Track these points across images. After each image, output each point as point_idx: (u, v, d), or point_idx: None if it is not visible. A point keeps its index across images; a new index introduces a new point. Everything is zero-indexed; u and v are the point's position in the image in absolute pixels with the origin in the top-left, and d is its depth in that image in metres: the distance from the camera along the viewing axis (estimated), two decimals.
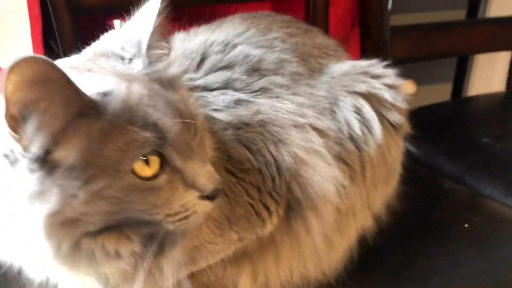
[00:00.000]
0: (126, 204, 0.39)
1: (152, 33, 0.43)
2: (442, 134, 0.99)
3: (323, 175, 0.52)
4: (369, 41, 1.05)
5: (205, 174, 0.41)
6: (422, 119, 1.07)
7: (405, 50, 1.11)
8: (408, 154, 1.00)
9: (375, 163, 0.58)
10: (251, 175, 0.51)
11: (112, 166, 0.38)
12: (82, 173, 0.37)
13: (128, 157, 0.38)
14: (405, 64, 1.18)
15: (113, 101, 0.38)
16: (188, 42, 0.58)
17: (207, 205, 0.42)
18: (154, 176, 0.39)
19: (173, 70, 0.45)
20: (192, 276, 0.55)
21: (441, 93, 1.32)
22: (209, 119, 0.51)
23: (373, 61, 0.62)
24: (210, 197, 0.42)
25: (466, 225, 0.68)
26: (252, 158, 0.51)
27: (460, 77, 1.26)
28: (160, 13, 0.43)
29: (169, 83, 0.43)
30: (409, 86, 1.21)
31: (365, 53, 1.05)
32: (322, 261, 0.56)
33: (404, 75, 1.21)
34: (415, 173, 0.85)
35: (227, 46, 0.57)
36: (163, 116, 0.39)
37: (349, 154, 0.55)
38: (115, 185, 0.38)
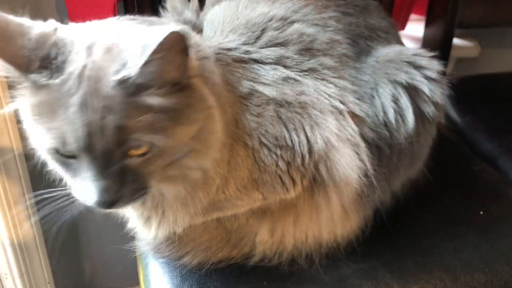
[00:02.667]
0: None
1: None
2: (490, 108, 0.99)
3: (349, 163, 0.57)
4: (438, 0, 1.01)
5: (89, 191, 0.46)
6: (475, 87, 1.06)
7: (476, 14, 1.07)
8: (451, 123, 1.02)
9: (402, 149, 0.61)
10: (283, 151, 0.56)
11: None
12: None
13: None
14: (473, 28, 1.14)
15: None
16: (251, 10, 0.61)
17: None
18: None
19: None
20: (217, 220, 0.64)
21: (509, 59, 1.27)
22: (254, 92, 0.56)
23: (420, 50, 0.63)
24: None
25: (481, 212, 0.72)
26: (288, 136, 0.56)
27: None
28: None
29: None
30: (472, 49, 1.18)
31: (431, 13, 1.02)
32: (337, 230, 0.62)
33: (469, 36, 1.18)
34: (449, 147, 0.88)
35: (285, 22, 0.59)
36: (70, 134, 0.44)
37: (380, 139, 0.59)
38: None
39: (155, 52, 0.41)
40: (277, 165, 0.57)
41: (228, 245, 0.63)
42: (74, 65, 0.44)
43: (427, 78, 0.60)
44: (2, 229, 1.10)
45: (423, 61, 0.61)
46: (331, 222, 0.62)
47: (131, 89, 0.43)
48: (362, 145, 0.58)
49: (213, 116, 0.50)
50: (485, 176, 0.80)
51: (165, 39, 0.40)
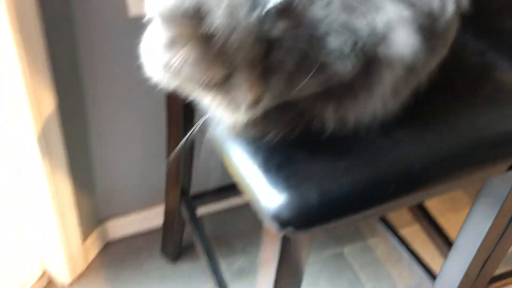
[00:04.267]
0: None
1: None
2: (472, 16, 1.15)
3: (403, 40, 0.70)
4: None
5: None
6: None
7: None
8: None
9: (440, 34, 0.76)
10: (349, 36, 0.68)
11: None
12: None
13: None
14: None
15: None
16: None
17: None
18: None
19: None
20: (292, 103, 0.75)
21: None
22: None
23: None
24: None
25: (484, 88, 0.89)
26: (353, 23, 0.68)
27: None
28: None
29: None
30: None
31: None
32: (388, 105, 0.76)
33: None
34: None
35: None
36: None
37: (426, 25, 0.72)
38: None
39: None
40: (342, 48, 0.69)
41: (303, 122, 0.76)
42: None
43: None
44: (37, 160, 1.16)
45: None
46: (383, 98, 0.75)
47: None
48: (414, 27, 0.71)
49: None
50: (481, 65, 0.97)
51: None
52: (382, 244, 1.72)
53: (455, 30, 0.80)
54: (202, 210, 1.59)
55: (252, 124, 0.75)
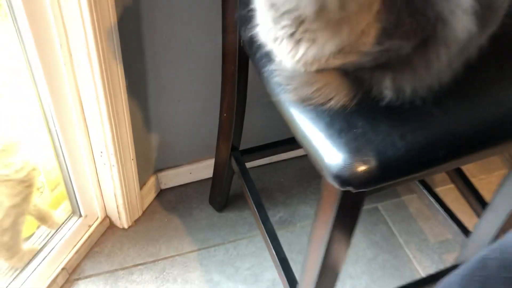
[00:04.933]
0: None
1: None
2: None
3: (461, 24, 0.75)
4: None
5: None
6: None
7: None
8: None
9: (494, 11, 0.81)
10: (416, 18, 0.74)
11: None
12: None
13: None
14: None
15: None
16: None
17: None
18: None
19: None
20: (351, 73, 0.83)
21: None
22: None
23: None
24: None
25: None
26: (423, 9, 0.74)
27: None
28: None
29: None
30: None
31: None
32: (442, 78, 0.82)
33: None
34: None
35: None
36: None
37: (484, 6, 0.78)
38: None
39: None
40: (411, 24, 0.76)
41: (362, 90, 0.83)
42: None
43: None
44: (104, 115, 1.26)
45: None
46: (439, 72, 0.82)
47: None
48: (470, 10, 0.76)
49: None
50: None
51: None
52: (415, 201, 1.81)
53: (508, 5, 0.85)
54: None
55: (313, 90, 0.83)
